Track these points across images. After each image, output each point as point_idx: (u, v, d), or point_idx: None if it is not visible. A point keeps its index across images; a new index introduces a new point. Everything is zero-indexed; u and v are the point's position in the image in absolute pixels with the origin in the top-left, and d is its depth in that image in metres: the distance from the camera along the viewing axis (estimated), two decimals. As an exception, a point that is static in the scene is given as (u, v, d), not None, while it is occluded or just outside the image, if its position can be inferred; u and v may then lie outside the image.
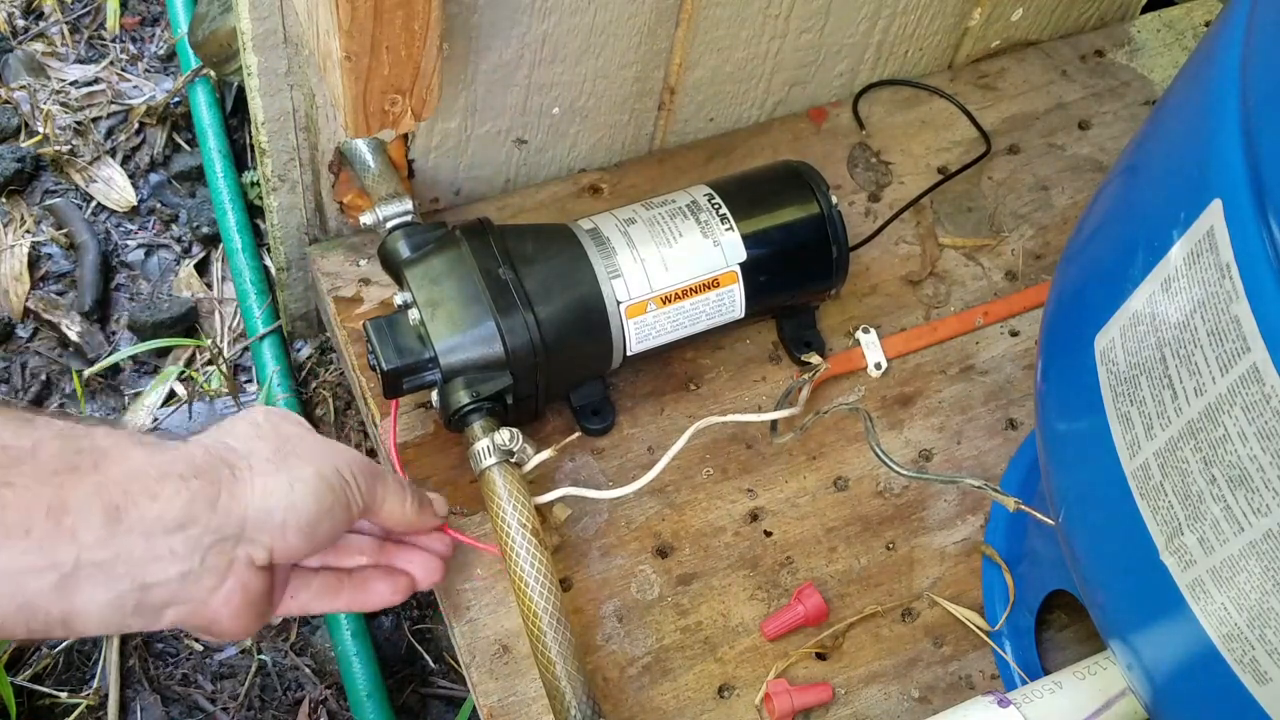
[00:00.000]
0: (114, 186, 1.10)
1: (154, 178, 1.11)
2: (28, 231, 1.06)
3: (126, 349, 1.01)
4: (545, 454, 0.74)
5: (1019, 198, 0.96)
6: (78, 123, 1.12)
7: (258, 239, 1.04)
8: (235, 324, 1.04)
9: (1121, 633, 0.63)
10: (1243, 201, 0.48)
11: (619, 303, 0.76)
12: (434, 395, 0.76)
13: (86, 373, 1.00)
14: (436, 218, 0.88)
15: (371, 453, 0.97)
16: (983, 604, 0.79)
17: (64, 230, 1.07)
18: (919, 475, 0.77)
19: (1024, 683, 0.74)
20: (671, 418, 0.83)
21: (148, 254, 1.07)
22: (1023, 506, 0.70)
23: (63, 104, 1.13)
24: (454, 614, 0.75)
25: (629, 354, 0.78)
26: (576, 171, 0.92)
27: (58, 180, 1.10)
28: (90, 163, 1.11)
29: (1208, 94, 0.54)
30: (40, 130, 1.11)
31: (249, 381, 1.01)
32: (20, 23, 1.18)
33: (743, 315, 0.81)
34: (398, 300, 0.77)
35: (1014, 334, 0.90)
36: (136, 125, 1.13)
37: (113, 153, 1.12)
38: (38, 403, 1.00)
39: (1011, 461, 0.84)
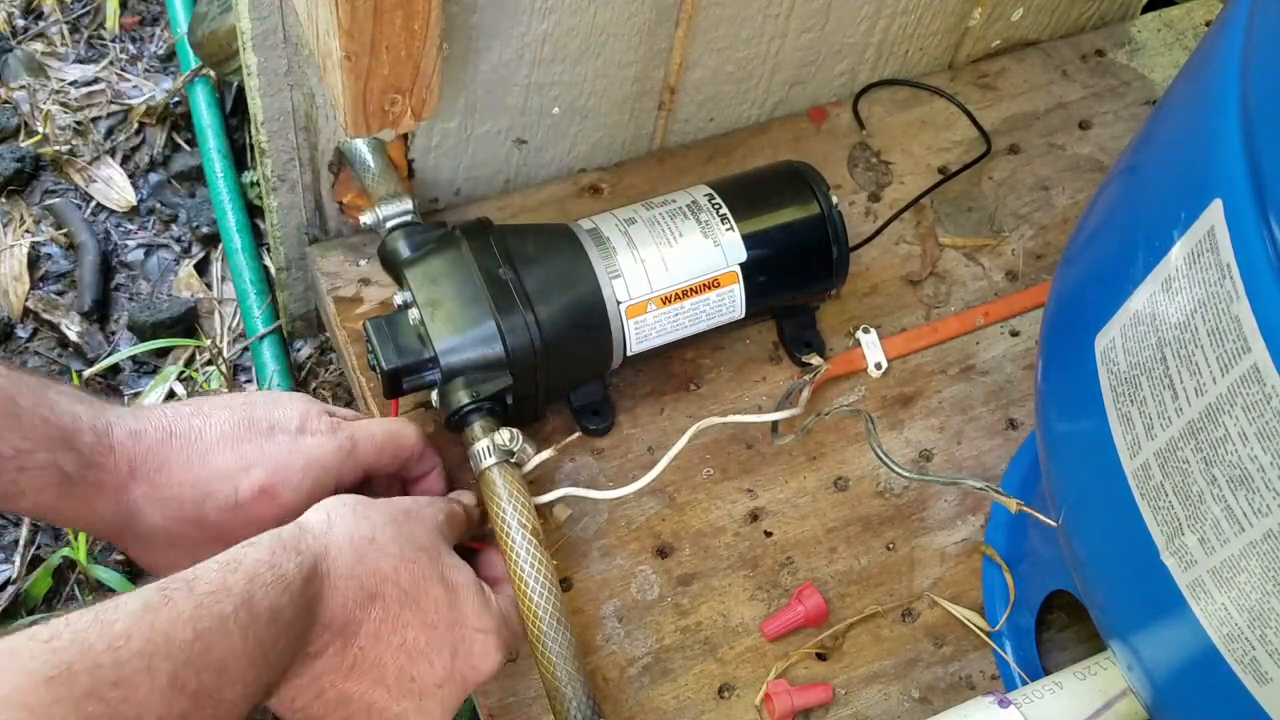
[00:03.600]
0: (114, 186, 1.10)
1: (154, 178, 1.11)
2: (27, 231, 1.06)
3: (126, 349, 1.01)
4: (545, 454, 0.74)
5: (1019, 198, 0.96)
6: (77, 123, 1.12)
7: (258, 239, 1.04)
8: (235, 324, 1.04)
9: (1122, 633, 0.63)
10: (1243, 201, 0.48)
11: (619, 303, 0.76)
12: (434, 395, 0.76)
13: (86, 373, 1.00)
14: (436, 218, 0.88)
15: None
16: (983, 604, 0.79)
17: (64, 230, 1.07)
18: (921, 477, 0.77)
19: (1024, 683, 0.74)
20: (671, 418, 0.83)
21: (147, 254, 1.07)
22: (1025, 508, 0.70)
23: (62, 104, 1.13)
24: (454, 614, 0.75)
25: (629, 354, 0.78)
26: (576, 171, 0.92)
27: (57, 180, 1.10)
28: (90, 163, 1.11)
29: (1208, 94, 0.54)
30: (40, 130, 1.11)
31: (249, 381, 1.01)
32: (20, 23, 1.18)
33: (743, 315, 0.80)
34: (398, 300, 0.77)
35: (1014, 334, 0.90)
36: (136, 125, 1.13)
37: (112, 153, 1.12)
38: (37, 403, 1.00)
39: (1012, 462, 0.84)
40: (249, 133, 1.07)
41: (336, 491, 0.69)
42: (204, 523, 0.66)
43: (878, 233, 0.90)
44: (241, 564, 0.56)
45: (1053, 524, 0.67)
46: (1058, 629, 0.79)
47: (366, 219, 0.79)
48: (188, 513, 0.66)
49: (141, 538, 0.67)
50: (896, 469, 0.74)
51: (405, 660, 0.62)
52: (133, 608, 0.51)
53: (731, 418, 0.79)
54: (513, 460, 0.73)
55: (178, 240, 1.08)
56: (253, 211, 1.06)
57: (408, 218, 0.79)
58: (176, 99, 1.14)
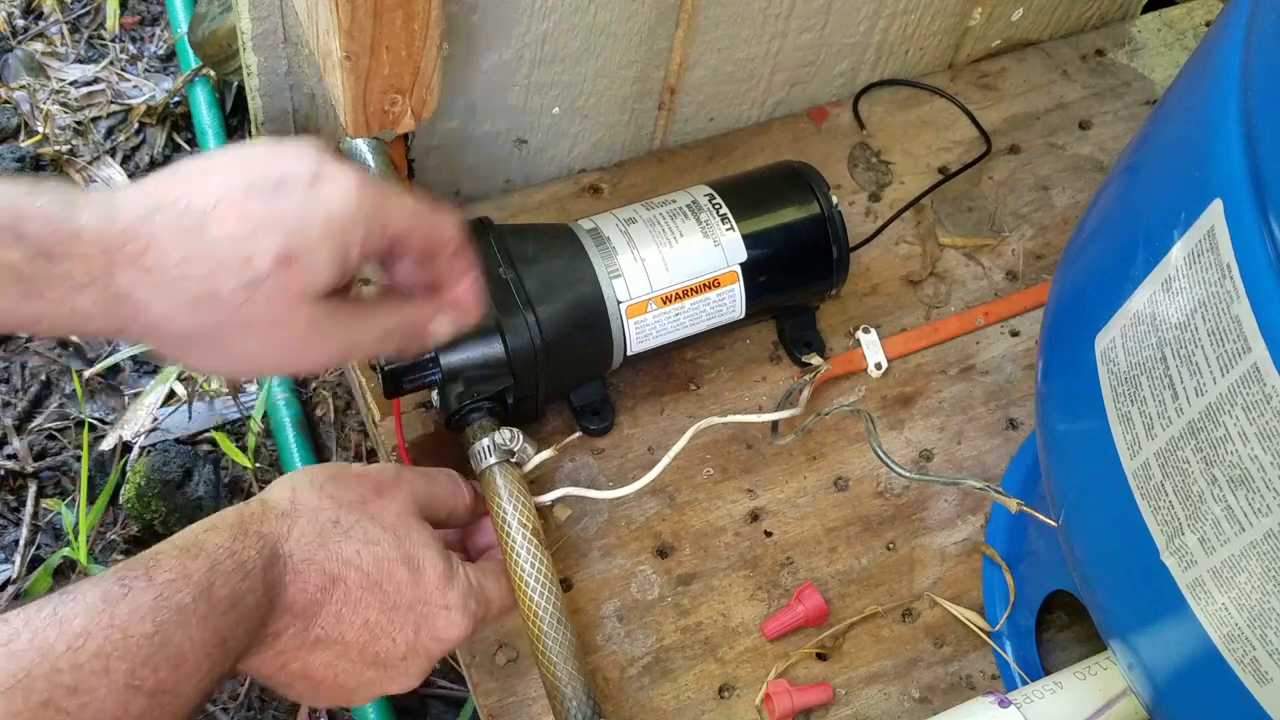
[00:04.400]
0: (114, 186, 1.10)
1: (154, 178, 1.11)
2: (28, 231, 1.06)
3: (126, 349, 1.01)
4: (545, 454, 0.74)
5: (1019, 198, 0.96)
6: (77, 123, 1.12)
7: (258, 239, 1.04)
8: (235, 324, 1.03)
9: (1122, 633, 0.63)
10: (1243, 201, 0.48)
11: (619, 303, 0.76)
12: (434, 395, 0.76)
13: (87, 373, 1.00)
14: (436, 218, 0.88)
15: (372, 453, 0.98)
16: (983, 604, 0.79)
17: (64, 230, 1.06)
18: (921, 477, 0.77)
19: (1024, 683, 0.74)
20: (672, 418, 0.83)
21: (148, 254, 1.07)
22: (1025, 508, 0.70)
23: (62, 104, 1.13)
24: (454, 614, 0.75)
25: (629, 354, 0.78)
26: (576, 171, 0.92)
27: (57, 180, 1.10)
28: (90, 163, 1.11)
29: (1208, 94, 0.54)
30: (40, 130, 1.11)
31: (248, 381, 1.01)
32: (20, 23, 1.18)
33: (743, 315, 0.81)
34: (398, 300, 0.77)
35: (1014, 334, 0.90)
36: (136, 125, 1.13)
37: (112, 153, 1.12)
38: (37, 403, 1.00)
39: (1012, 462, 0.84)
40: (249, 133, 1.07)
41: (360, 258, 0.58)
42: (219, 302, 0.55)
43: (878, 233, 0.91)
44: (203, 549, 0.55)
45: (1053, 524, 0.67)
46: (1058, 629, 0.79)
47: (366, 219, 0.79)
48: (196, 293, 0.55)
49: (153, 330, 0.56)
50: (896, 469, 0.74)
51: (368, 638, 0.62)
52: (91, 600, 0.50)
53: (731, 418, 0.79)
54: (513, 460, 0.73)
55: (178, 240, 1.08)
56: (253, 211, 1.06)
57: (408, 218, 0.79)
58: (176, 99, 1.14)
